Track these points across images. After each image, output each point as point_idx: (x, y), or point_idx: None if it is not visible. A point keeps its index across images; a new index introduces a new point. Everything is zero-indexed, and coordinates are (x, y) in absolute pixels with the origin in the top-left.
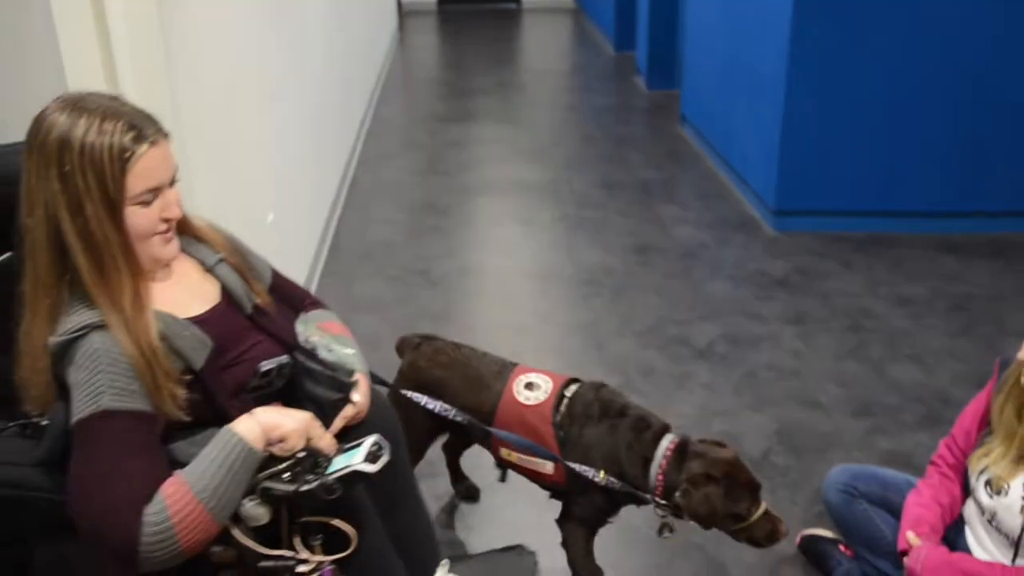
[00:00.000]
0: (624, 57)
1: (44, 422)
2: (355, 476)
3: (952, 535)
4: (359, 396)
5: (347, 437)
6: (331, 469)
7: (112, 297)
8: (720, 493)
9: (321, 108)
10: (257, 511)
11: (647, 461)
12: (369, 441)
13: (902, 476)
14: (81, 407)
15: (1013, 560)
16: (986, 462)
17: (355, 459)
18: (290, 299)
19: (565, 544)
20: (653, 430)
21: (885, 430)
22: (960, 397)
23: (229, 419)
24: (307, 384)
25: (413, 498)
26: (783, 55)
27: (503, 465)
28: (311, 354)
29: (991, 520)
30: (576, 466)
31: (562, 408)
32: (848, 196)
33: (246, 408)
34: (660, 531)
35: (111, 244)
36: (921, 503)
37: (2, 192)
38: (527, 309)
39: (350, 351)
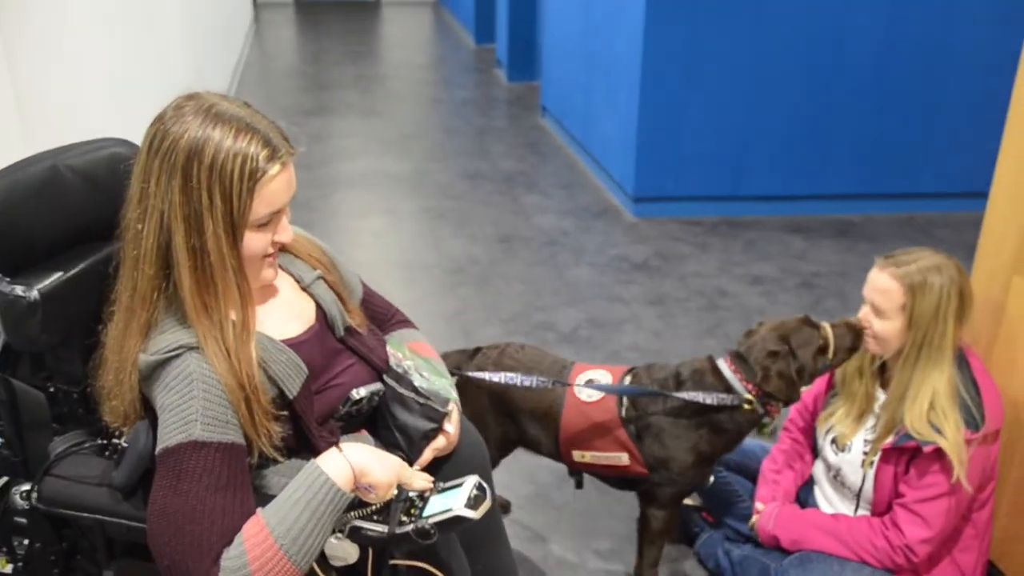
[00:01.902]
0: (484, 50)
1: (124, 443)
2: (455, 521)
3: (803, 495)
4: (452, 427)
5: (434, 469)
6: (428, 512)
7: (214, 321)
8: (787, 357)
9: None
10: (344, 549)
11: (729, 389)
12: (470, 483)
13: (756, 443)
14: (170, 433)
15: (855, 511)
16: (832, 422)
17: (455, 502)
18: (377, 314)
19: (644, 526)
20: (707, 370)
21: None
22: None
23: (316, 448)
24: (398, 412)
25: (499, 537)
26: (637, 46)
27: (577, 471)
28: (403, 379)
29: (836, 476)
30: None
31: (625, 401)
32: (703, 182)
33: (333, 435)
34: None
35: (226, 267)
36: (777, 469)
37: (87, 194)
38: (394, 300)
39: (444, 379)
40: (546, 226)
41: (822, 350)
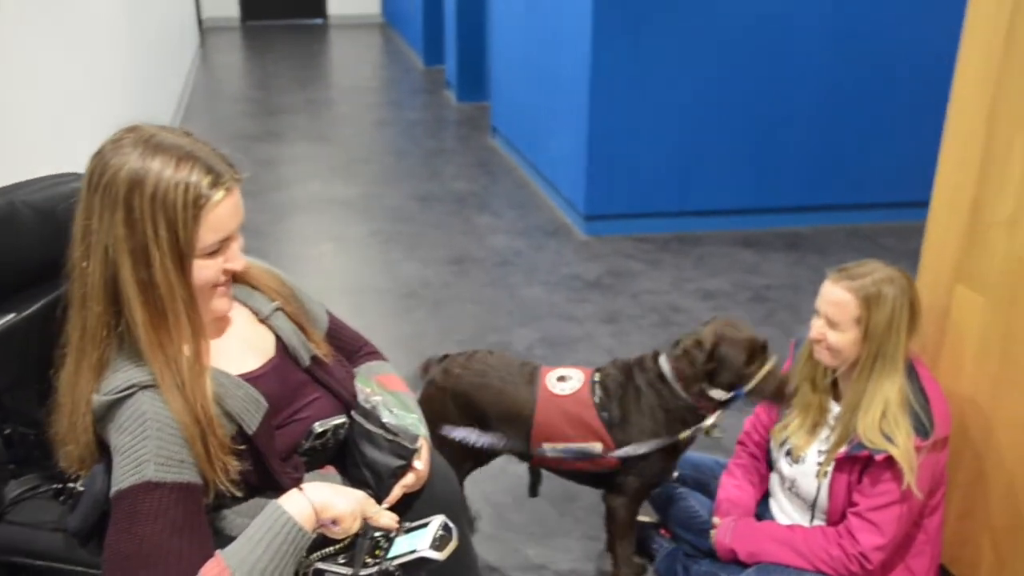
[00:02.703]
0: (434, 71)
1: (80, 487)
2: (420, 563)
3: (760, 508)
4: (421, 464)
5: (405, 505)
6: (393, 552)
7: (168, 356)
8: (705, 352)
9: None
10: None
11: (662, 378)
12: (436, 523)
13: (711, 458)
14: (123, 475)
15: (811, 521)
16: (786, 434)
17: (420, 543)
18: (345, 346)
19: (611, 519)
20: (648, 357)
21: None
22: None
23: (278, 485)
24: (366, 448)
25: (470, 573)
26: (586, 65)
27: (535, 474)
28: (371, 415)
29: (791, 487)
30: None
31: (597, 391)
32: (653, 199)
33: (297, 471)
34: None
35: (176, 299)
36: (735, 484)
37: (44, 230)
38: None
39: (414, 415)
40: (498, 246)
41: (741, 375)
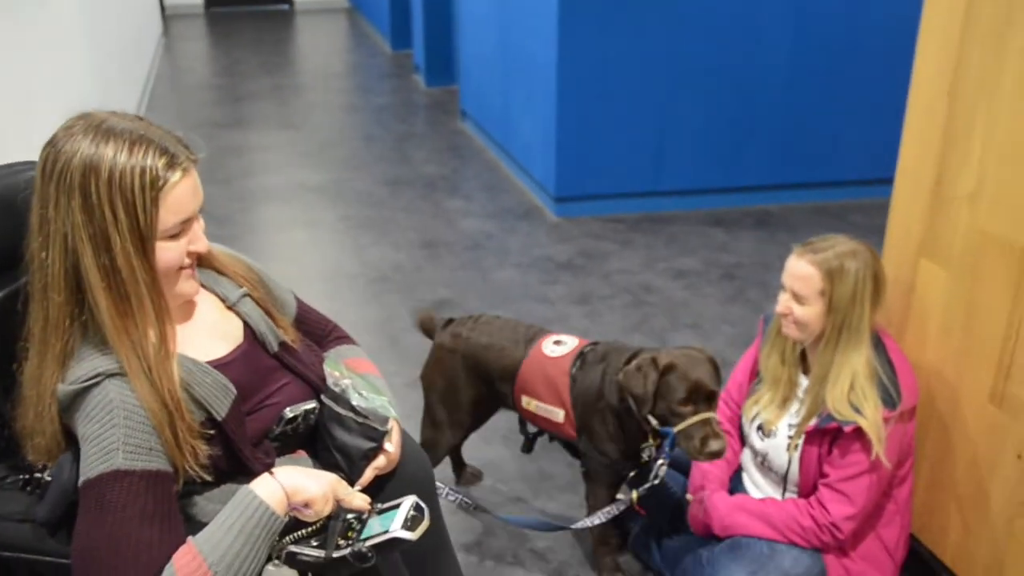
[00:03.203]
0: (402, 55)
1: (47, 477)
2: (392, 543)
3: (732, 482)
4: (392, 446)
5: (378, 487)
6: (365, 533)
7: (134, 342)
8: (643, 377)
9: None
10: None
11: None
12: (408, 504)
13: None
14: (92, 465)
15: (783, 494)
16: (757, 408)
17: (393, 524)
18: (314, 330)
19: (587, 504)
20: (631, 355)
21: None
22: (735, 358)
23: (250, 470)
24: (336, 432)
25: (445, 551)
26: (553, 45)
27: (526, 430)
28: (341, 398)
29: (763, 462)
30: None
31: (578, 361)
32: (623, 179)
33: (269, 456)
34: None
35: (139, 283)
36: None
37: (3, 220)
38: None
39: (383, 397)
40: (469, 230)
41: (674, 410)
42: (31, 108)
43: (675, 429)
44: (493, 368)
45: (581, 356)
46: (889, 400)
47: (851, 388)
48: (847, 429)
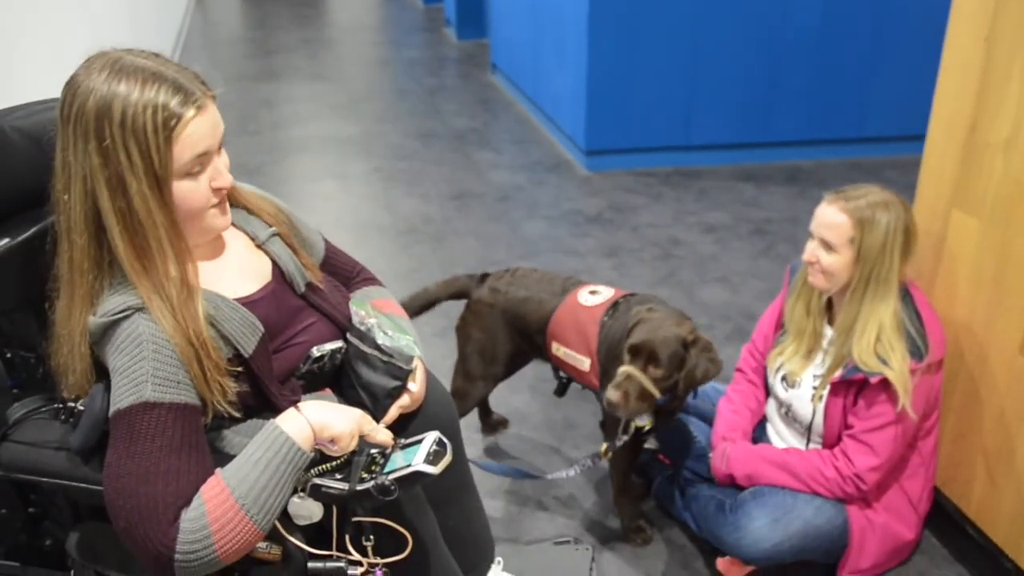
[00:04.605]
0: (433, 9)
1: (80, 407)
2: (415, 477)
3: (756, 432)
4: (416, 385)
5: (402, 426)
6: (389, 467)
7: (155, 283)
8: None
9: None
10: (308, 508)
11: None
12: (431, 439)
13: (709, 385)
14: (122, 396)
15: (807, 445)
16: (781, 360)
17: (415, 458)
18: (341, 272)
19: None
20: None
21: None
22: (763, 312)
23: (277, 407)
24: (361, 370)
25: (469, 492)
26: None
27: (558, 375)
28: (367, 337)
29: (787, 412)
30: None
31: (611, 311)
32: (654, 133)
33: (295, 393)
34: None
35: (156, 225)
36: (733, 409)
37: (34, 157)
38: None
39: (409, 336)
40: (499, 182)
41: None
42: (63, 56)
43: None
44: (531, 320)
45: (615, 306)
46: (916, 352)
47: (878, 339)
48: (873, 380)
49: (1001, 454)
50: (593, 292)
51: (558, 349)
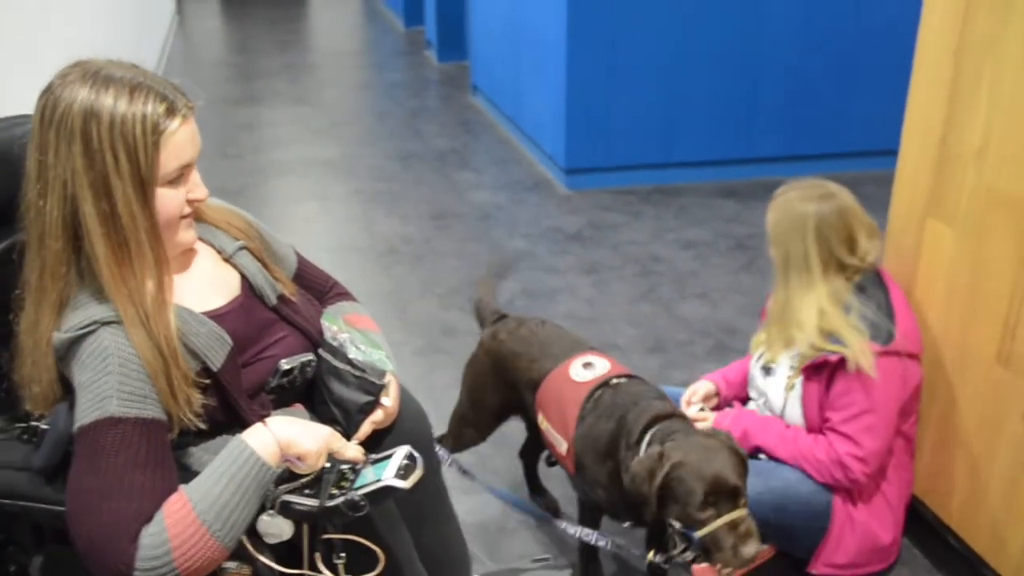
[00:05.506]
0: (414, 32)
1: (44, 426)
2: (385, 492)
3: None
4: (389, 400)
5: (375, 442)
6: (359, 483)
7: (131, 290)
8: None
9: None
10: (278, 526)
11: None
12: (401, 453)
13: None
14: (86, 411)
15: None
16: (762, 348)
17: (386, 473)
18: (314, 286)
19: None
20: (638, 432)
21: (677, 364)
22: (744, 327)
23: (246, 422)
24: (334, 385)
25: (444, 510)
26: (562, 18)
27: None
28: (339, 352)
29: (764, 403)
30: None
31: (596, 394)
32: (634, 151)
33: (265, 408)
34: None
35: (138, 230)
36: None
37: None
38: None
39: (381, 350)
40: (480, 202)
41: (691, 517)
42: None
43: (699, 534)
44: (521, 379)
45: (600, 389)
46: (878, 335)
47: (821, 325)
48: (833, 359)
49: (981, 463)
50: (587, 365)
51: (543, 421)
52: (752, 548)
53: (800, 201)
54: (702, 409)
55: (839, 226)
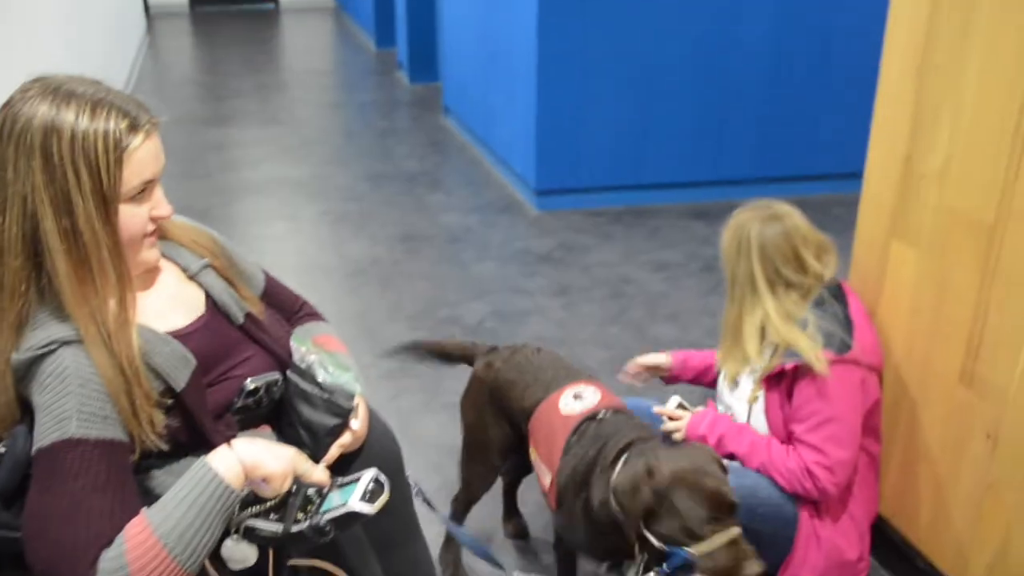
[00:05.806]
0: (386, 53)
1: (1, 449)
2: (351, 517)
3: None
4: (358, 423)
5: (344, 465)
6: (325, 507)
7: (93, 308)
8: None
9: None
10: (242, 551)
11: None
12: (367, 476)
13: (647, 403)
14: (45, 433)
15: None
16: (728, 364)
17: (351, 497)
18: (283, 306)
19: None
20: (612, 454)
21: (647, 386)
22: (712, 347)
23: (211, 444)
24: (302, 408)
25: (415, 536)
26: (532, 42)
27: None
28: (307, 374)
29: (732, 417)
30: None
31: (582, 428)
32: (604, 173)
33: (231, 429)
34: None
35: (100, 247)
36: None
37: None
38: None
39: (350, 373)
40: (450, 224)
41: (691, 532)
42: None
43: (694, 552)
44: (515, 409)
45: (586, 423)
46: (833, 343)
47: (766, 333)
48: (788, 366)
49: (946, 482)
50: (577, 396)
51: (532, 453)
52: (755, 568)
53: (747, 223)
54: (680, 406)
55: (784, 247)
